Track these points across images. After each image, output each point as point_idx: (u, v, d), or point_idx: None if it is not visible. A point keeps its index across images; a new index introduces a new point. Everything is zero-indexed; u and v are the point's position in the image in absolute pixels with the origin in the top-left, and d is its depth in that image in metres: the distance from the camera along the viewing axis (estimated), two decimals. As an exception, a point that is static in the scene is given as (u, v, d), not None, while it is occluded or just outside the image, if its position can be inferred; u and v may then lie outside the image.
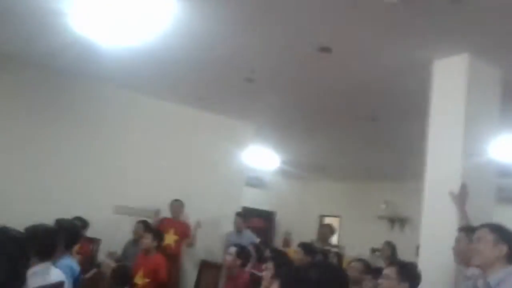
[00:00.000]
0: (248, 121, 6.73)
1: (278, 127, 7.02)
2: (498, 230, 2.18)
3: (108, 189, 5.74)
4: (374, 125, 6.00)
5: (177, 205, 5.87)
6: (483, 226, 2.27)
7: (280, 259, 3.28)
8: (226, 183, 6.59)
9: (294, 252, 5.04)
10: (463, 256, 2.67)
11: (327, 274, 2.05)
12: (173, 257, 5.41)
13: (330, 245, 6.66)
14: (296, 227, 10.36)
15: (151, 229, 5.06)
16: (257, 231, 7.27)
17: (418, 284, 2.61)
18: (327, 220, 11.59)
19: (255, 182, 10.13)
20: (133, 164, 5.99)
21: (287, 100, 5.54)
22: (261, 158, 8.68)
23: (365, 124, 6.01)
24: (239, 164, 6.81)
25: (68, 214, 4.59)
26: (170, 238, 5.64)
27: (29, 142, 5.37)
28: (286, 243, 9.98)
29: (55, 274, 2.66)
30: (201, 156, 6.44)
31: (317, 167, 9.70)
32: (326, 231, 6.76)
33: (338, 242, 9.68)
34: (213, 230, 6.20)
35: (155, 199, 5.92)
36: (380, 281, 2.61)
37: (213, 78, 5.06)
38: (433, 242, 3.31)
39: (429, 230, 3.41)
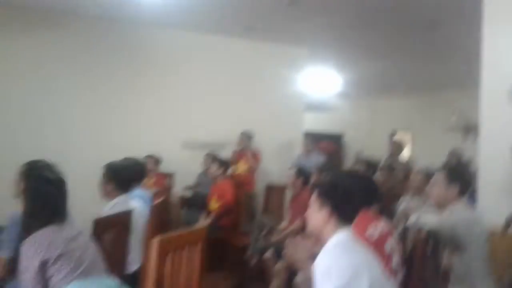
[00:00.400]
0: (301, 45, 6.63)
1: (335, 48, 6.86)
2: None
3: (177, 127, 6.15)
4: (433, 34, 5.67)
5: (245, 136, 6.08)
6: None
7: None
8: (286, 109, 6.69)
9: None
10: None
11: (358, 183, 2.17)
12: (245, 184, 5.73)
13: (399, 160, 6.66)
14: (367, 147, 10.34)
15: (217, 159, 5.39)
16: (325, 154, 7.42)
17: (469, 184, 2.61)
18: (398, 136, 11.45)
19: (319, 106, 10.10)
20: (197, 101, 6.26)
21: (336, 19, 5.36)
22: (322, 82, 8.60)
23: (424, 33, 5.70)
24: (297, 89, 6.82)
25: (142, 152, 5.07)
26: (241, 168, 5.97)
27: (103, 87, 5.81)
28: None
29: (133, 204, 3.04)
30: (259, 86, 6.55)
31: (382, 84, 9.44)
32: (394, 147, 6.78)
33: (410, 156, 9.58)
34: (278, 156, 6.40)
35: (220, 132, 6.24)
36: (428, 188, 2.64)
37: (256, 6, 5.02)
38: (492, 147, 3.24)
39: (487, 134, 3.33)
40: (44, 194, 2.06)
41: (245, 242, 4.58)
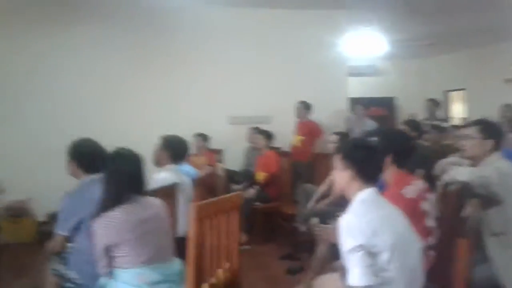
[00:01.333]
0: (339, 8, 6.50)
1: (377, 8, 6.64)
2: None
3: (223, 103, 6.29)
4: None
5: (299, 107, 6.07)
6: None
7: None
8: (329, 76, 6.62)
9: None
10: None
11: (386, 140, 2.23)
12: (299, 154, 5.78)
13: (437, 119, 6.48)
14: (420, 108, 10.04)
15: (261, 131, 5.52)
16: (377, 119, 7.30)
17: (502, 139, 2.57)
18: (453, 95, 11.02)
19: (365, 71, 9.90)
20: (240, 76, 6.35)
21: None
22: (366, 45, 8.41)
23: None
24: (339, 55, 6.72)
25: (190, 130, 5.30)
26: (296, 139, 6.03)
27: (149, 68, 6.05)
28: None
29: (181, 174, 3.27)
30: (300, 56, 6.52)
31: (431, 40, 9.05)
32: (429, 105, 6.63)
33: (464, 114, 9.22)
34: (326, 124, 6.40)
35: (264, 106, 6.34)
36: (461, 142, 2.62)
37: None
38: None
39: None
40: (122, 172, 2.17)
41: (294, 211, 4.72)
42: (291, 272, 4.05)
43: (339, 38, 6.64)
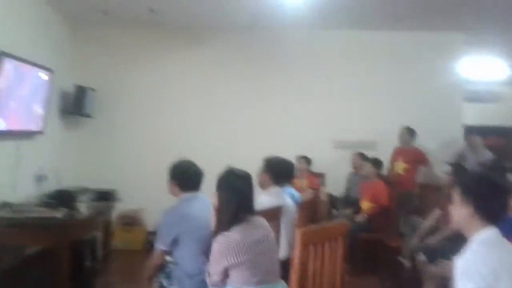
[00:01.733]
0: (457, 31, 6.12)
1: (498, 32, 6.15)
2: None
3: (327, 127, 6.24)
4: None
5: (404, 133, 5.77)
6: None
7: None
8: (443, 102, 6.22)
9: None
10: None
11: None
12: (403, 184, 5.50)
13: None
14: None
15: (369, 158, 5.34)
16: (495, 150, 6.69)
17: None
18: None
19: (483, 97, 9.16)
20: (347, 100, 6.25)
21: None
22: (484, 69, 7.83)
23: None
24: (455, 79, 6.30)
25: (294, 152, 5.32)
26: (399, 166, 5.70)
27: (254, 91, 6.27)
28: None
29: (284, 199, 3.27)
30: (411, 80, 6.25)
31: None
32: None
33: None
34: (435, 153, 6.02)
35: (371, 131, 6.14)
36: None
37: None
38: None
39: None
40: (235, 190, 2.18)
41: (399, 243, 4.47)
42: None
43: (455, 62, 6.26)
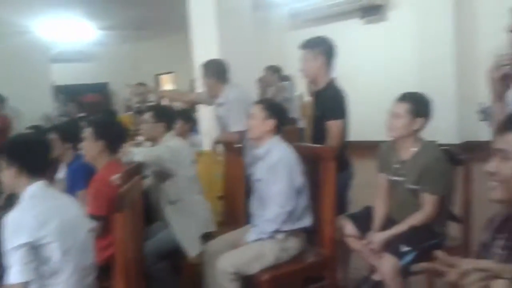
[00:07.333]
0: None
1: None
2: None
3: None
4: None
5: None
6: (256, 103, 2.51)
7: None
8: (28, 63, 6.13)
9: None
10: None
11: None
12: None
13: (147, 102, 6.91)
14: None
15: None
16: (92, 105, 7.18)
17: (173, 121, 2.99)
18: (164, 78, 11.83)
19: (75, 57, 9.60)
20: None
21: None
22: (72, 30, 8.13)
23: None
24: (38, 40, 6.29)
25: None
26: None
27: None
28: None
29: None
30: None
31: (139, 28, 9.38)
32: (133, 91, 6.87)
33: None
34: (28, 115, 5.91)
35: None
36: (141, 126, 2.94)
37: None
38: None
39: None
40: None
41: None
42: None
43: (34, 22, 6.21)
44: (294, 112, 5.22)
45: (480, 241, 1.30)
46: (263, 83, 5.49)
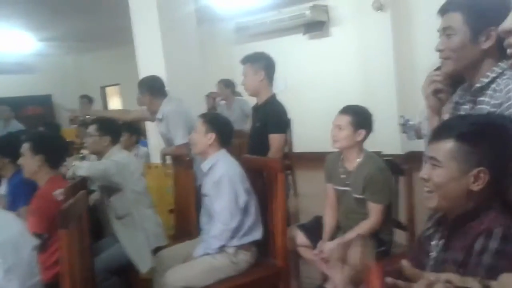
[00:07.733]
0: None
1: (24, 6, 6.15)
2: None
3: None
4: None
5: None
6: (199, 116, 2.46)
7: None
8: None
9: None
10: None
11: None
12: None
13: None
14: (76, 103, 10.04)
15: None
16: (35, 118, 6.87)
17: (119, 134, 2.93)
18: (110, 90, 11.54)
19: (15, 68, 9.19)
20: None
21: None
22: (11, 41, 7.79)
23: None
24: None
25: None
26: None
27: None
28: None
29: None
30: None
31: (83, 40, 9.15)
32: (83, 101, 6.73)
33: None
34: None
35: None
36: (86, 139, 2.85)
37: None
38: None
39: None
40: None
41: None
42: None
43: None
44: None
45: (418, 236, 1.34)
46: (213, 97, 5.50)
